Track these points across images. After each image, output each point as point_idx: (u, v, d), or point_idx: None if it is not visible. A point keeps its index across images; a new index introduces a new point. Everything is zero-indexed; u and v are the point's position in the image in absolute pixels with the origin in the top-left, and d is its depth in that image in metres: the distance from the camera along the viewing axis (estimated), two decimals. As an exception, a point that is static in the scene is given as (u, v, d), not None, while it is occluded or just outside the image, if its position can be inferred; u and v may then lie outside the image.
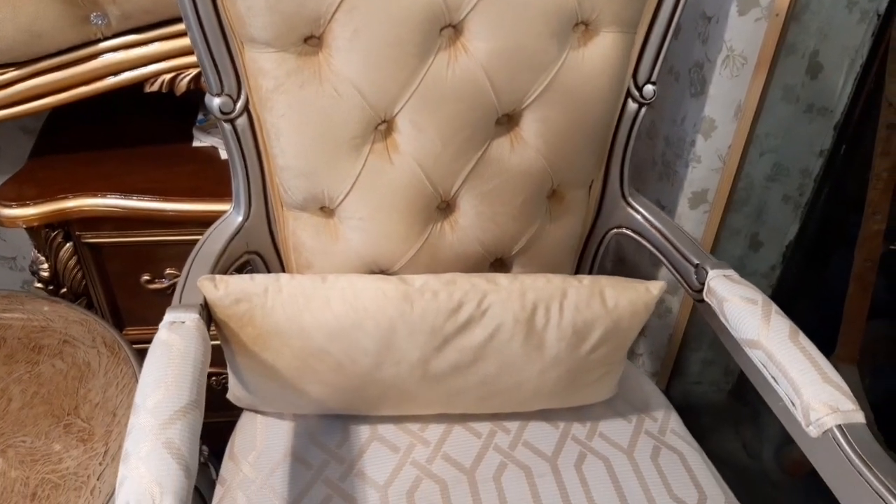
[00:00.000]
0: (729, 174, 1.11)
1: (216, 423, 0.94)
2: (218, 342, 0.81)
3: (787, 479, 1.39)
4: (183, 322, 0.71)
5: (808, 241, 1.29)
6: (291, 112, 0.78)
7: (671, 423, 0.92)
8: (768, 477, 1.41)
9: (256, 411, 0.88)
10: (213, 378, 1.18)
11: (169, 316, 0.72)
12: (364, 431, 0.86)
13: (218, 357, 0.83)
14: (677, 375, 1.42)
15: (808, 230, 1.27)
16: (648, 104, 0.89)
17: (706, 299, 0.84)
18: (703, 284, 0.84)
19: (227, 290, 0.75)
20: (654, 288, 0.83)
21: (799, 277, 1.34)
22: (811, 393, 0.69)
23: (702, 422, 1.46)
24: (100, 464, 0.76)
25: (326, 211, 0.86)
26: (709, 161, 1.11)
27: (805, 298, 1.35)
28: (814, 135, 1.15)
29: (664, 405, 0.95)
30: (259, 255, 0.90)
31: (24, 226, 0.96)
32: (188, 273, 0.80)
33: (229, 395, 0.87)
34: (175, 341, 0.68)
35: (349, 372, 0.79)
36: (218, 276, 0.77)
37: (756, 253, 1.28)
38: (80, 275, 1.04)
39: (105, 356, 0.89)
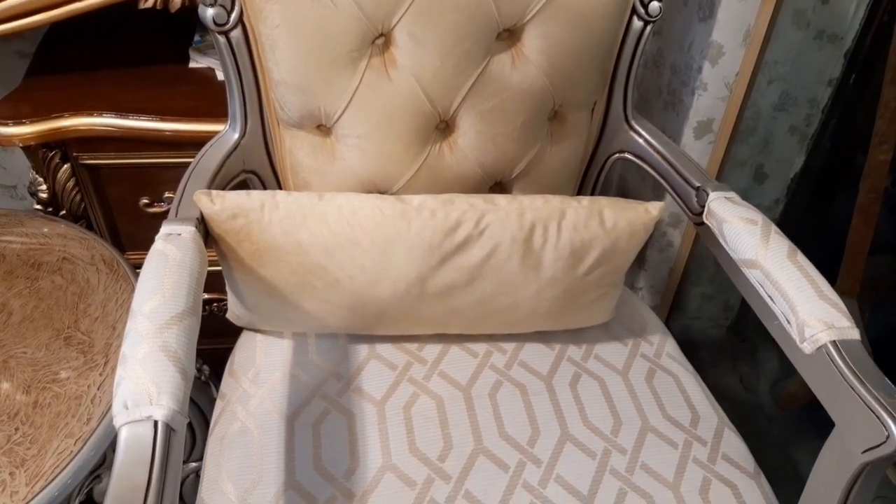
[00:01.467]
0: (736, 103, 1.09)
1: (218, 348, 0.95)
2: (218, 268, 0.81)
3: (782, 414, 1.41)
4: (179, 234, 0.71)
5: (814, 175, 1.28)
6: (286, 23, 0.76)
7: (667, 348, 0.92)
8: (763, 411, 1.43)
9: (256, 330, 0.89)
10: (215, 304, 1.19)
11: (165, 228, 0.72)
12: (362, 350, 0.87)
13: (219, 283, 0.84)
14: (677, 310, 1.43)
15: (814, 163, 1.26)
16: (654, 22, 0.87)
17: (706, 221, 0.83)
18: (703, 207, 0.83)
19: (223, 205, 0.75)
20: (654, 209, 0.82)
21: (804, 211, 1.33)
22: (807, 310, 0.69)
23: (700, 356, 1.47)
24: (100, 374, 0.77)
25: (323, 129, 0.85)
26: (715, 89, 1.09)
27: (809, 233, 1.34)
28: (823, 63, 1.13)
29: (661, 331, 0.95)
30: (256, 174, 0.90)
31: (21, 144, 0.96)
32: (184, 189, 0.79)
33: (229, 315, 0.88)
34: (171, 251, 0.68)
35: (346, 289, 0.79)
36: (214, 192, 0.76)
37: (761, 185, 1.27)
38: (78, 196, 1.04)
39: (104, 273, 0.89)
